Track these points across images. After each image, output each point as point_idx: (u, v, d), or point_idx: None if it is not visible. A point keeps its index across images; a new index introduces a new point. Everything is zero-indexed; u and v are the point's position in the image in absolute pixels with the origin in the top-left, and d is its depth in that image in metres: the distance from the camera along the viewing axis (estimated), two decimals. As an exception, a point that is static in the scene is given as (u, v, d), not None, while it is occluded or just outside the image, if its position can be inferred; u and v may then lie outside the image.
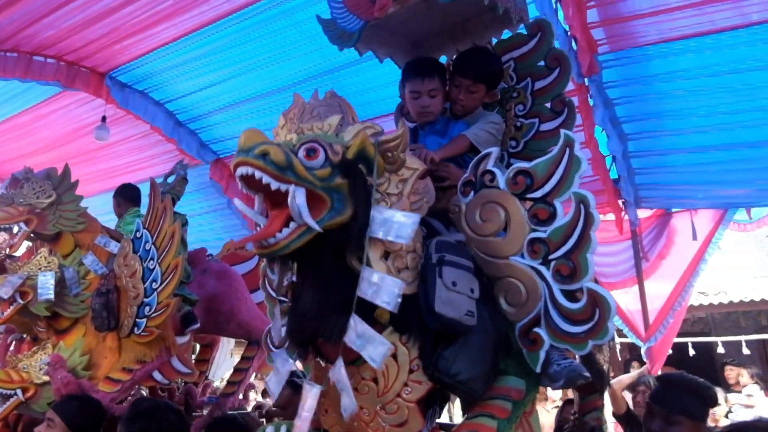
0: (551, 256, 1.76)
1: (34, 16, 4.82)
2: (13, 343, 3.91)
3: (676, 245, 6.49)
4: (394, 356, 1.65)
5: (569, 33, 4.26)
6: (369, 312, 1.60)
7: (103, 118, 6.07)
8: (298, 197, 1.49)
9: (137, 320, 3.16)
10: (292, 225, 1.52)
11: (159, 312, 3.11)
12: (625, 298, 6.32)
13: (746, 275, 9.73)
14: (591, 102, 4.59)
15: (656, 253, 6.42)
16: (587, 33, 4.26)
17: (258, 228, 1.60)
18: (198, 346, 5.00)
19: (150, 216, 3.29)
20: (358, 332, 1.56)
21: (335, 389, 1.64)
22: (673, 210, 6.62)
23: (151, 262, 3.20)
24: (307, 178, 1.53)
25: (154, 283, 3.16)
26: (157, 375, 3.34)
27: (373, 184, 1.63)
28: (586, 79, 4.47)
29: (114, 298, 3.21)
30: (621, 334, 6.49)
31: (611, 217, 5.52)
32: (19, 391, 3.05)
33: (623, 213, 5.65)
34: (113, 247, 3.47)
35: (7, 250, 3.42)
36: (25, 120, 6.81)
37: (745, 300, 8.97)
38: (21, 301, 3.16)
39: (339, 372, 1.60)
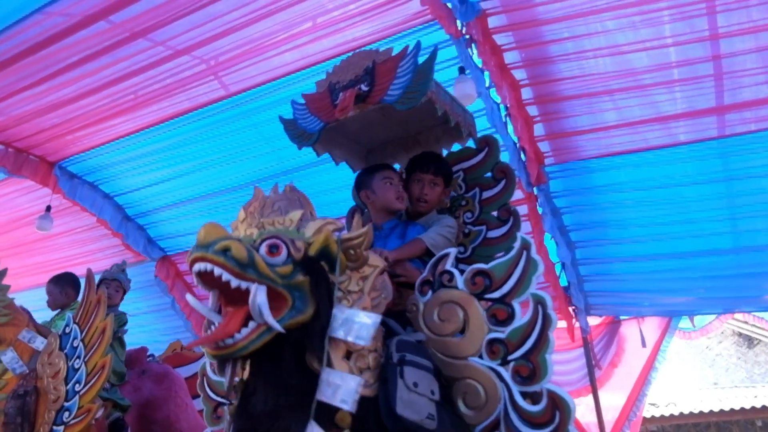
0: (510, 357, 1.74)
1: (-15, 103, 4.75)
2: None
3: (626, 353, 6.55)
4: None
5: (518, 144, 4.49)
6: (329, 416, 1.50)
7: (48, 208, 5.86)
8: (259, 296, 1.44)
9: (54, 428, 2.85)
10: (252, 324, 1.46)
11: (78, 419, 2.82)
12: (579, 410, 6.21)
13: (692, 386, 9.82)
14: (540, 210, 4.76)
15: (608, 360, 6.45)
16: (534, 145, 4.51)
17: (212, 327, 1.51)
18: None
19: (82, 309, 3.07)
20: None
21: None
22: (622, 317, 6.74)
23: (77, 360, 2.96)
24: (269, 275, 1.48)
25: (77, 385, 2.90)
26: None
27: (335, 282, 1.60)
28: (535, 188, 4.65)
29: (32, 402, 2.92)
30: (578, 450, 6.30)
31: (563, 324, 5.56)
32: None
33: (574, 320, 5.70)
34: (39, 343, 3.19)
35: None
36: (-43, 208, 6.51)
37: (695, 411, 8.98)
38: None
39: None
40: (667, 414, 9.23)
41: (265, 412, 1.51)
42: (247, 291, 1.45)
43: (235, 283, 1.44)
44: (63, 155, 5.74)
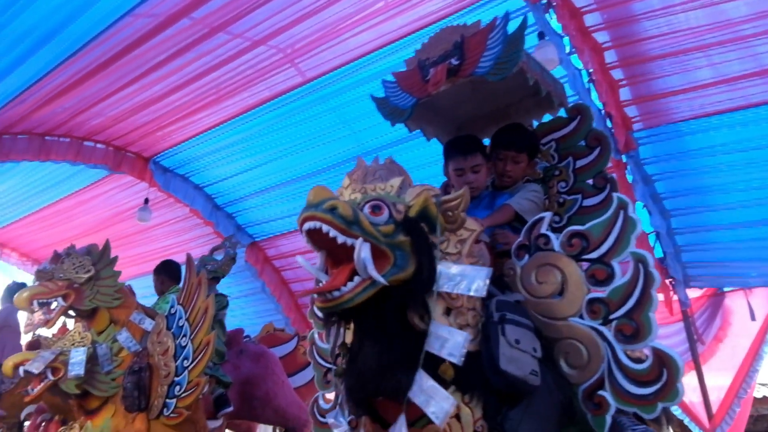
0: (612, 316, 1.73)
1: (86, 104, 5.11)
2: (42, 423, 3.80)
3: (733, 327, 6.13)
4: (458, 417, 1.58)
5: (604, 111, 4.30)
6: (433, 369, 1.56)
7: (146, 200, 6.25)
8: (363, 251, 1.51)
9: (167, 400, 3.03)
10: (357, 279, 1.53)
11: (189, 392, 2.98)
12: (681, 388, 5.88)
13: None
14: (630, 178, 4.54)
15: (712, 335, 6.07)
16: (621, 110, 4.31)
17: (320, 285, 1.61)
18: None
19: (184, 291, 3.25)
20: (423, 387, 1.53)
21: None
22: (726, 289, 6.33)
23: (184, 338, 3.12)
24: (373, 233, 1.55)
25: (185, 361, 3.06)
26: (186, 461, 3.16)
27: (435, 243, 1.65)
28: (623, 156, 4.45)
29: (146, 377, 3.11)
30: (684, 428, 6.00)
31: (659, 297, 5.29)
32: (42, 474, 2.92)
33: (672, 293, 5.41)
34: (148, 324, 3.41)
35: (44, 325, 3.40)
36: (67, 205, 7.08)
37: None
38: (52, 378, 3.08)
39: (401, 430, 1.54)
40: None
41: (373, 369, 1.57)
42: (352, 248, 1.51)
43: (341, 239, 1.51)
44: (156, 150, 6.10)
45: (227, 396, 3.64)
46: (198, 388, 2.95)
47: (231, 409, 3.59)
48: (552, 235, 1.88)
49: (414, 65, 2.43)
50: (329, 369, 2.30)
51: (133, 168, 6.08)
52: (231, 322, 5.34)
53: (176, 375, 3.03)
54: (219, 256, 4.20)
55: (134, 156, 6.11)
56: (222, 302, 4.02)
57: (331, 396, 2.28)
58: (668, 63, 4.10)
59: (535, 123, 2.70)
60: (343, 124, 5.34)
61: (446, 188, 2.78)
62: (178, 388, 3.00)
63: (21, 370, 3.10)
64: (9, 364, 3.13)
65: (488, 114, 2.72)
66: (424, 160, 4.69)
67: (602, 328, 1.72)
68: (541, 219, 1.93)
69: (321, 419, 2.35)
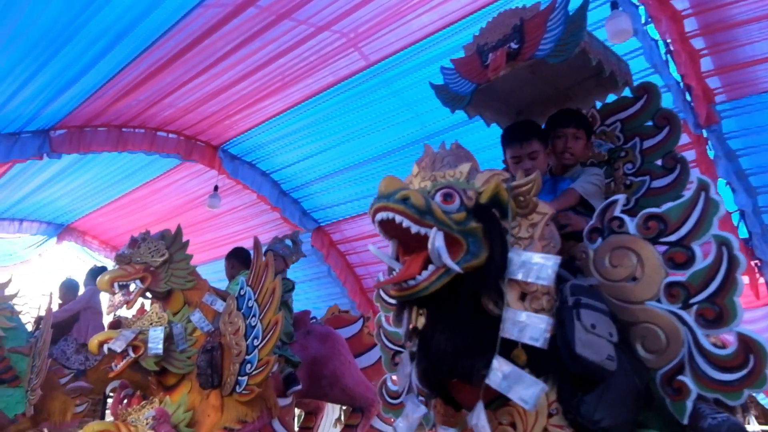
0: (692, 300, 1.68)
1: (158, 96, 5.31)
2: (126, 397, 4.02)
3: (832, 313, 5.68)
4: None
5: (682, 83, 4.06)
6: (505, 354, 1.56)
7: (215, 188, 6.46)
8: (437, 240, 1.52)
9: (239, 378, 3.15)
10: (431, 267, 1.55)
11: (259, 369, 3.09)
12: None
13: None
14: (711, 154, 4.27)
15: (807, 322, 5.65)
16: (702, 82, 4.05)
17: (393, 273, 1.64)
18: (303, 414, 4.91)
19: (252, 273, 3.33)
20: (503, 373, 1.53)
21: None
22: (823, 271, 5.88)
23: (253, 318, 3.22)
24: (445, 221, 1.56)
25: (255, 340, 3.16)
26: (257, 437, 3.27)
27: (507, 228, 1.66)
28: (704, 131, 4.19)
29: (218, 356, 3.24)
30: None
31: (744, 279, 4.97)
32: (125, 445, 3.08)
33: (758, 275, 5.07)
34: (219, 305, 3.54)
35: (124, 306, 3.59)
36: (142, 194, 7.44)
37: None
38: (132, 355, 3.25)
39: (479, 416, 1.54)
40: None
41: (446, 353, 1.60)
42: (426, 237, 1.53)
43: (414, 229, 1.53)
44: (224, 138, 6.29)
45: (296, 375, 3.72)
46: (268, 367, 3.04)
47: (300, 387, 3.67)
48: (627, 218, 1.83)
49: (473, 51, 2.40)
50: (397, 352, 2.35)
51: (203, 156, 6.30)
52: (298, 306, 5.46)
53: (247, 354, 3.14)
54: (288, 241, 4.28)
55: (204, 145, 6.32)
56: (288, 285, 4.10)
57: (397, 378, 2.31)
58: (756, 28, 3.81)
59: (598, 104, 2.62)
60: (406, 107, 5.31)
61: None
62: (249, 366, 3.10)
63: (105, 347, 3.28)
64: (94, 342, 3.32)
65: (548, 97, 2.66)
66: (488, 142, 4.56)
67: (682, 313, 1.68)
68: (615, 202, 1.88)
69: (390, 400, 2.40)
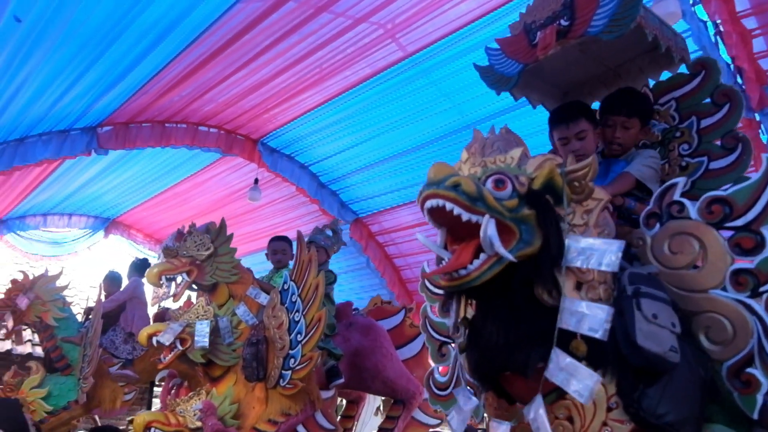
0: (762, 289, 1.59)
1: (199, 92, 5.40)
2: (174, 387, 4.14)
3: None
4: None
5: (733, 66, 3.90)
6: (563, 346, 1.51)
7: (256, 180, 6.55)
8: (489, 228, 1.47)
9: (283, 372, 3.17)
10: (483, 256, 1.50)
11: (303, 365, 3.11)
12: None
13: None
14: (764, 138, 4.10)
15: None
16: (754, 63, 3.88)
17: (442, 263, 1.59)
18: (345, 402, 4.96)
19: (296, 268, 3.36)
20: (560, 365, 1.48)
21: (524, 429, 1.56)
22: None
23: (297, 314, 3.24)
24: (497, 208, 1.51)
25: (298, 335, 3.18)
26: (301, 429, 3.31)
27: (561, 215, 1.59)
28: (756, 114, 4.01)
29: (263, 349, 3.27)
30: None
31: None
32: (174, 435, 3.16)
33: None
34: (263, 298, 3.57)
35: (171, 299, 3.67)
36: (184, 188, 7.58)
37: None
38: (180, 348, 3.32)
39: (538, 410, 1.51)
40: None
41: (499, 345, 1.55)
42: (476, 225, 1.48)
43: (466, 216, 1.48)
44: (264, 132, 6.36)
45: (338, 368, 3.75)
46: (311, 362, 3.06)
47: (342, 380, 3.69)
48: (687, 202, 1.74)
49: (519, 29, 2.29)
50: (444, 343, 2.31)
51: (243, 150, 6.38)
52: (338, 296, 5.52)
53: (291, 348, 3.16)
54: (328, 231, 4.30)
55: (244, 138, 6.40)
56: (330, 278, 4.12)
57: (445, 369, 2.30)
58: (815, 4, 3.62)
59: (651, 82, 2.49)
60: (444, 96, 5.26)
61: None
62: (292, 360, 3.13)
63: (154, 340, 3.36)
64: (144, 334, 3.40)
65: (596, 76, 2.54)
66: (529, 130, 4.47)
67: (751, 302, 1.59)
68: (674, 185, 1.79)
69: (438, 392, 2.36)
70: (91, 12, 3.85)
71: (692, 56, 2.45)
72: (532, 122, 4.49)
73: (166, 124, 5.87)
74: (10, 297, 4.90)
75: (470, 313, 1.73)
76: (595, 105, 2.59)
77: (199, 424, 3.16)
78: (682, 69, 2.39)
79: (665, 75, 2.44)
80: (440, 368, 2.37)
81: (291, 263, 3.71)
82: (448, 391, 2.31)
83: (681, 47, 2.32)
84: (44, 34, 3.87)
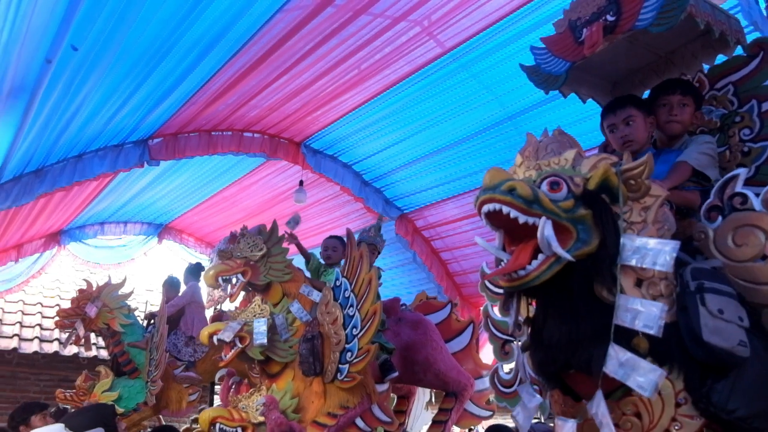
0: None
1: (244, 99, 5.55)
2: (234, 385, 4.29)
3: None
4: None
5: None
6: (625, 342, 1.54)
7: (300, 182, 6.69)
8: (546, 229, 1.52)
9: (340, 366, 3.26)
10: (541, 257, 1.55)
11: (360, 358, 3.19)
12: None
13: None
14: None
15: None
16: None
17: (501, 264, 1.65)
18: (395, 398, 5.04)
19: (348, 265, 3.45)
20: (620, 361, 1.51)
21: (590, 425, 1.58)
22: None
23: (351, 309, 3.32)
24: (553, 210, 1.56)
25: (354, 330, 3.27)
26: (359, 422, 3.39)
27: (619, 213, 1.62)
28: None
29: (319, 344, 3.37)
30: None
31: None
32: (239, 430, 3.29)
33: None
34: (315, 296, 3.69)
35: (228, 299, 3.82)
36: (231, 192, 7.78)
37: None
38: (240, 345, 3.46)
39: (600, 406, 1.53)
40: None
41: (562, 343, 1.59)
42: (534, 226, 1.53)
43: (522, 219, 1.53)
44: (306, 134, 6.48)
45: (392, 362, 3.82)
46: (368, 355, 3.15)
47: (396, 374, 3.77)
48: (750, 193, 1.72)
49: (564, 27, 2.30)
50: (506, 341, 2.36)
51: (287, 153, 6.52)
52: (385, 293, 5.60)
53: (347, 342, 3.25)
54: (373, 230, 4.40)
55: (287, 142, 6.54)
56: (376, 273, 4.21)
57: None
58: None
59: (706, 67, 2.43)
60: (485, 89, 5.26)
61: (605, 148, 2.65)
62: (349, 354, 3.21)
63: (214, 338, 3.51)
64: (205, 333, 3.56)
65: (647, 65, 2.51)
66: (571, 119, 4.50)
67: None
68: (735, 177, 1.78)
69: (503, 389, 2.41)
70: (141, 33, 4.01)
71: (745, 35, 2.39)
72: (572, 112, 4.47)
73: (213, 133, 6.04)
74: (80, 305, 5.16)
75: (531, 312, 1.77)
76: (646, 93, 2.55)
77: (261, 418, 3.28)
78: (738, 51, 2.32)
79: (720, 59, 2.39)
80: (506, 366, 2.42)
81: (342, 262, 3.81)
82: (513, 388, 2.35)
83: (736, 29, 2.26)
84: (98, 59, 4.06)
